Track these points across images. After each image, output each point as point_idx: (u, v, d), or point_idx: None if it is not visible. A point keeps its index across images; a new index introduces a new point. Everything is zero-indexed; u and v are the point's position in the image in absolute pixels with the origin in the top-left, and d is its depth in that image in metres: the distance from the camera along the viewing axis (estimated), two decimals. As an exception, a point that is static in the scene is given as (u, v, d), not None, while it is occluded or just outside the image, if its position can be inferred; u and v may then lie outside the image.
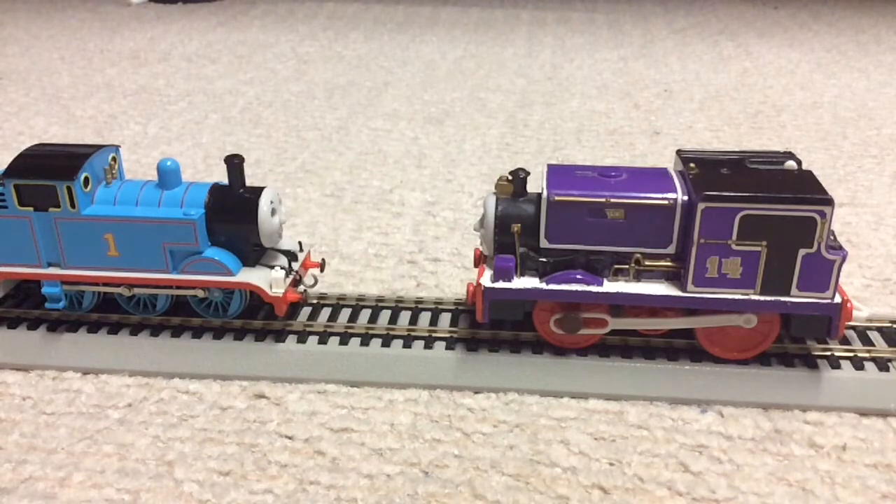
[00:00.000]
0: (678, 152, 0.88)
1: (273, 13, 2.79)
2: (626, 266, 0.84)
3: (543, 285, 0.84)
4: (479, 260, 0.89)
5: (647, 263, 0.84)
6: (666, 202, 0.81)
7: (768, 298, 0.81)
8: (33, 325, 0.94)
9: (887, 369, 0.85)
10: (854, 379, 0.84)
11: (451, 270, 1.11)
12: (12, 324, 0.94)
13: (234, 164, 0.88)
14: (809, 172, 0.83)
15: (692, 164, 0.84)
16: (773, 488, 0.74)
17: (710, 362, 0.86)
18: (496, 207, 0.85)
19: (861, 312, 0.83)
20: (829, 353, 0.87)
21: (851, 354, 0.86)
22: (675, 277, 0.84)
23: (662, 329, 0.87)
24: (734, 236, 0.79)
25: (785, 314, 0.83)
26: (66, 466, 0.77)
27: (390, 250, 1.17)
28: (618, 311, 0.86)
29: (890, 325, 0.91)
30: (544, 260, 0.85)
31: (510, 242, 0.85)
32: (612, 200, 0.82)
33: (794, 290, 0.81)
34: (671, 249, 0.83)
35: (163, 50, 2.32)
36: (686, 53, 2.20)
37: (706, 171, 0.83)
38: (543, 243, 0.84)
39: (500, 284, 0.84)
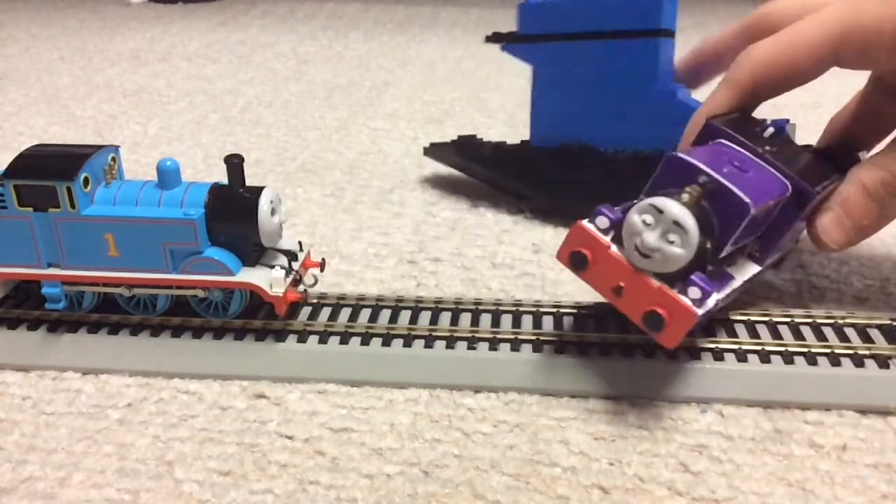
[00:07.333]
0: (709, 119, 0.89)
1: (273, 13, 2.79)
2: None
3: (719, 295, 0.79)
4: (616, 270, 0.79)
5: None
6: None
7: None
8: (33, 325, 0.93)
9: (887, 366, 0.85)
10: (854, 376, 0.84)
11: (451, 270, 1.11)
12: (12, 324, 0.94)
13: (234, 164, 0.88)
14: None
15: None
16: (773, 488, 0.74)
17: (710, 360, 0.86)
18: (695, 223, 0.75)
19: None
20: (829, 351, 0.86)
21: (851, 352, 0.86)
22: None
23: None
24: None
25: None
26: (66, 466, 0.77)
27: (390, 250, 1.17)
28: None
29: (890, 322, 0.91)
30: (712, 269, 0.79)
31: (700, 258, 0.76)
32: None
33: None
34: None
35: (163, 50, 2.32)
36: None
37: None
38: (724, 252, 0.79)
39: (704, 309, 0.76)
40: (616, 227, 0.79)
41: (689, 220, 0.74)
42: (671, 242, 0.75)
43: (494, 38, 1.22)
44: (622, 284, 0.78)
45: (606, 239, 0.79)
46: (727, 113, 0.92)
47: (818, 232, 0.91)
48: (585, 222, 0.80)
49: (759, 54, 0.91)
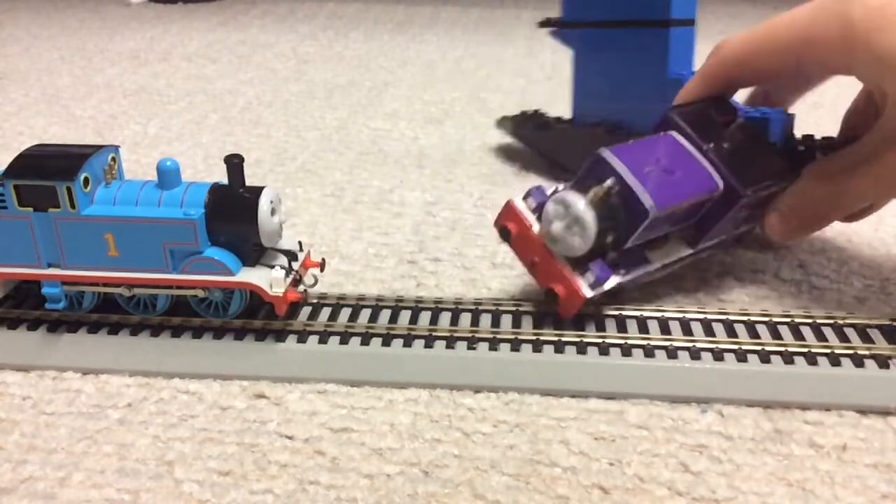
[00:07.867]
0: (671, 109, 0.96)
1: (273, 13, 2.79)
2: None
3: (622, 279, 0.90)
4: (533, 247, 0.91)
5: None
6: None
7: None
8: (33, 325, 0.93)
9: (887, 366, 0.85)
10: (854, 376, 0.84)
11: (451, 270, 1.11)
12: (12, 324, 0.94)
13: (234, 164, 0.88)
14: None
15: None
16: (773, 488, 0.74)
17: (710, 360, 0.86)
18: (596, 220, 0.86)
19: None
20: (829, 351, 0.87)
21: (851, 352, 0.86)
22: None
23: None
24: None
25: None
26: (66, 466, 0.77)
27: (390, 250, 1.17)
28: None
29: (890, 322, 0.91)
30: (615, 256, 0.90)
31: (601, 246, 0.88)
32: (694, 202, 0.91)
33: None
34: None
35: (163, 50, 2.32)
36: (686, 53, 2.20)
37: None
38: (628, 245, 0.89)
39: (597, 291, 0.89)
40: (542, 209, 0.90)
41: (588, 218, 0.85)
42: (574, 234, 0.86)
43: (545, 23, 1.37)
44: (537, 260, 0.91)
45: (532, 218, 0.91)
46: (694, 101, 0.99)
47: (766, 227, 0.99)
48: (517, 200, 0.92)
49: (729, 52, 0.95)
